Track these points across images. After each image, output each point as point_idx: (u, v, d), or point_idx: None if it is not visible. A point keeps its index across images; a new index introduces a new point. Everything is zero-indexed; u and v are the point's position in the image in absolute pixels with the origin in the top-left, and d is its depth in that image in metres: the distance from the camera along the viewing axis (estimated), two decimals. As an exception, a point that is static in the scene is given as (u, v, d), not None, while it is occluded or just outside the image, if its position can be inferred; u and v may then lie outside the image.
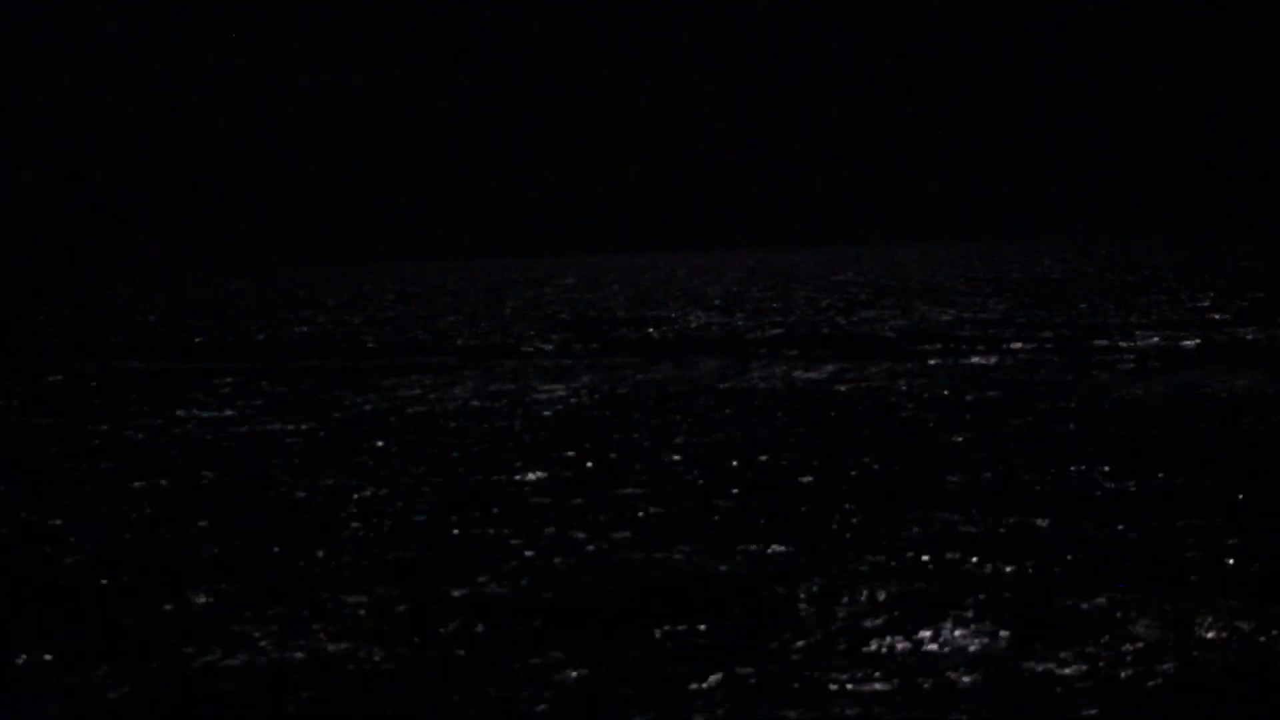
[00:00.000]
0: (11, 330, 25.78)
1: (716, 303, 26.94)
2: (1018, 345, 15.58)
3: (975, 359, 14.09)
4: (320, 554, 6.11)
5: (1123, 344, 15.32)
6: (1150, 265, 39.77)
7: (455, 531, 6.49)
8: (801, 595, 5.17)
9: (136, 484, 8.06)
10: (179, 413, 11.59)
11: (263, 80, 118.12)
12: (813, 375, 13.02)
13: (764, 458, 8.28)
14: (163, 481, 8.11)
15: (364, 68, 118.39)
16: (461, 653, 4.61)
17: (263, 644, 4.77)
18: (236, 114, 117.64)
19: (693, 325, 20.67)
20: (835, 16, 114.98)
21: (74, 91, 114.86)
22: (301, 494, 7.60)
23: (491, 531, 6.44)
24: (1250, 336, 15.54)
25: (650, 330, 19.78)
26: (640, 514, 6.73)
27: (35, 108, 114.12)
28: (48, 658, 4.71)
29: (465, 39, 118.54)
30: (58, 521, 7.00)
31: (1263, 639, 4.51)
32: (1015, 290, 27.94)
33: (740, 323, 20.91)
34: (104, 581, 5.74)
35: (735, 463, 8.13)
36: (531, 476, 7.88)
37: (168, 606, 5.31)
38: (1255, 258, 42.11)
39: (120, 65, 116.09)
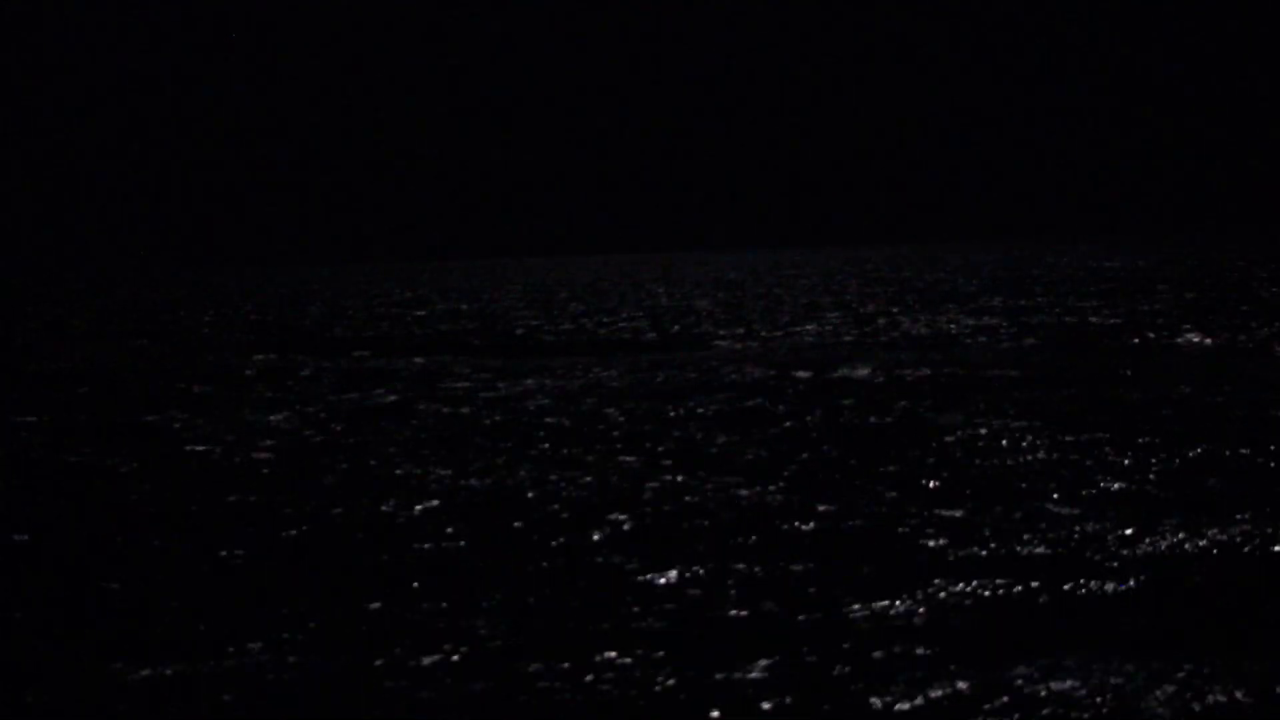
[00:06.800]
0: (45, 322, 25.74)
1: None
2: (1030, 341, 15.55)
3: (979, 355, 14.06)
4: (325, 552, 6.08)
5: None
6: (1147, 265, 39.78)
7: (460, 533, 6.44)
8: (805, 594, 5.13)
9: (139, 477, 8.01)
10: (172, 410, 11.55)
11: (262, 80, 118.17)
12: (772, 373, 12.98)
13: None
14: (157, 479, 8.06)
15: (363, 67, 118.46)
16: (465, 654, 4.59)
17: (268, 648, 4.75)
18: (236, 114, 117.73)
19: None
20: (834, 16, 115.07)
21: (74, 91, 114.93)
22: (316, 491, 7.55)
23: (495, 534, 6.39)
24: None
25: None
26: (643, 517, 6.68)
27: (35, 108, 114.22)
28: (47, 658, 4.68)
29: (465, 39, 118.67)
30: (66, 518, 6.96)
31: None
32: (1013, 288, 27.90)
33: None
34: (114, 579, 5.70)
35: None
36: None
37: (172, 605, 5.28)
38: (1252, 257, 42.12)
39: (120, 65, 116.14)
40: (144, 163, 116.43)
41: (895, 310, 22.92)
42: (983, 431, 9.04)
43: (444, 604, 5.21)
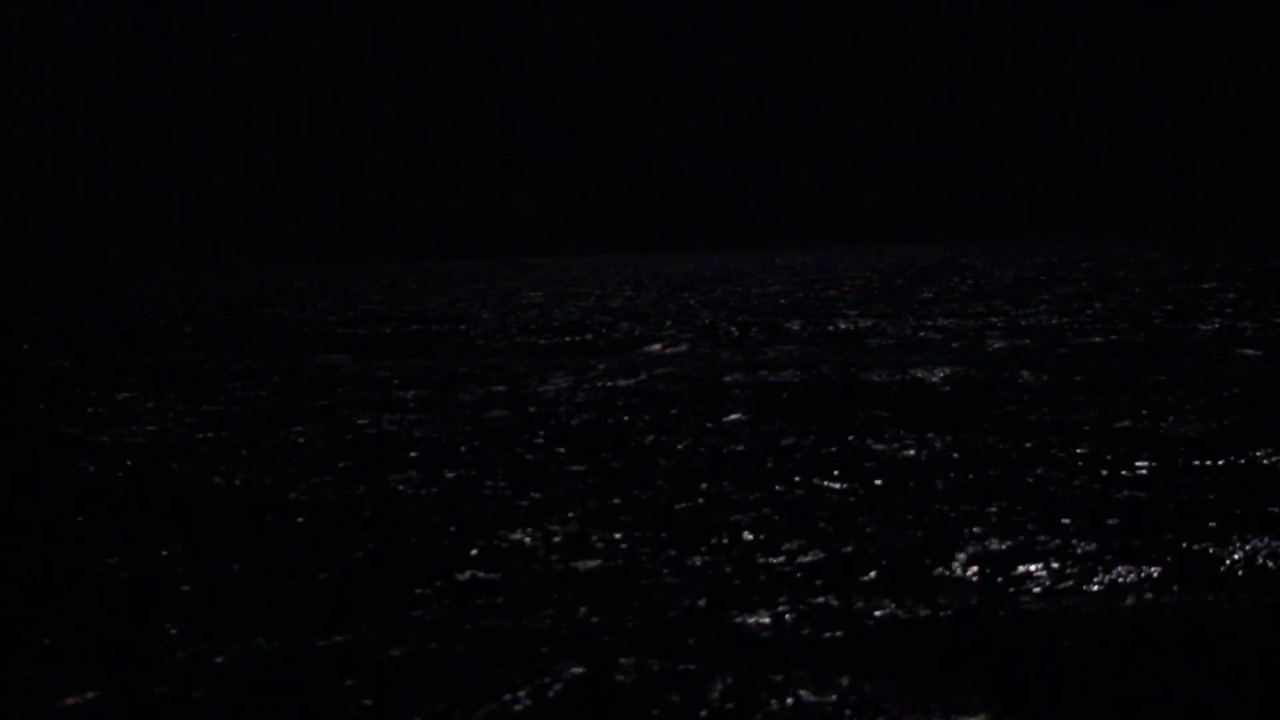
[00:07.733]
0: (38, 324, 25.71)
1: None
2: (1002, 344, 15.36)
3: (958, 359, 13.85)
4: (328, 551, 6.03)
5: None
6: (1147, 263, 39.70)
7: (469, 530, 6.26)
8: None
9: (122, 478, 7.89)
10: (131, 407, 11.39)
11: (262, 80, 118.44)
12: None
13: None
14: (126, 477, 7.92)
15: (363, 68, 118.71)
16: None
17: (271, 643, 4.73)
18: (237, 114, 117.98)
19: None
20: (834, 15, 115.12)
21: (74, 91, 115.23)
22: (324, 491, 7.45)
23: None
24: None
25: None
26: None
27: (35, 107, 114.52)
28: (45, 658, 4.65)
29: (464, 39, 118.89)
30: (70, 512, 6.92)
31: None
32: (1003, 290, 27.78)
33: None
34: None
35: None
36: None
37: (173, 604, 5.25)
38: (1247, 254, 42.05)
39: (120, 65, 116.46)
40: (143, 163, 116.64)
41: (853, 312, 22.74)
42: (902, 438, 8.81)
43: (404, 609, 5.14)
